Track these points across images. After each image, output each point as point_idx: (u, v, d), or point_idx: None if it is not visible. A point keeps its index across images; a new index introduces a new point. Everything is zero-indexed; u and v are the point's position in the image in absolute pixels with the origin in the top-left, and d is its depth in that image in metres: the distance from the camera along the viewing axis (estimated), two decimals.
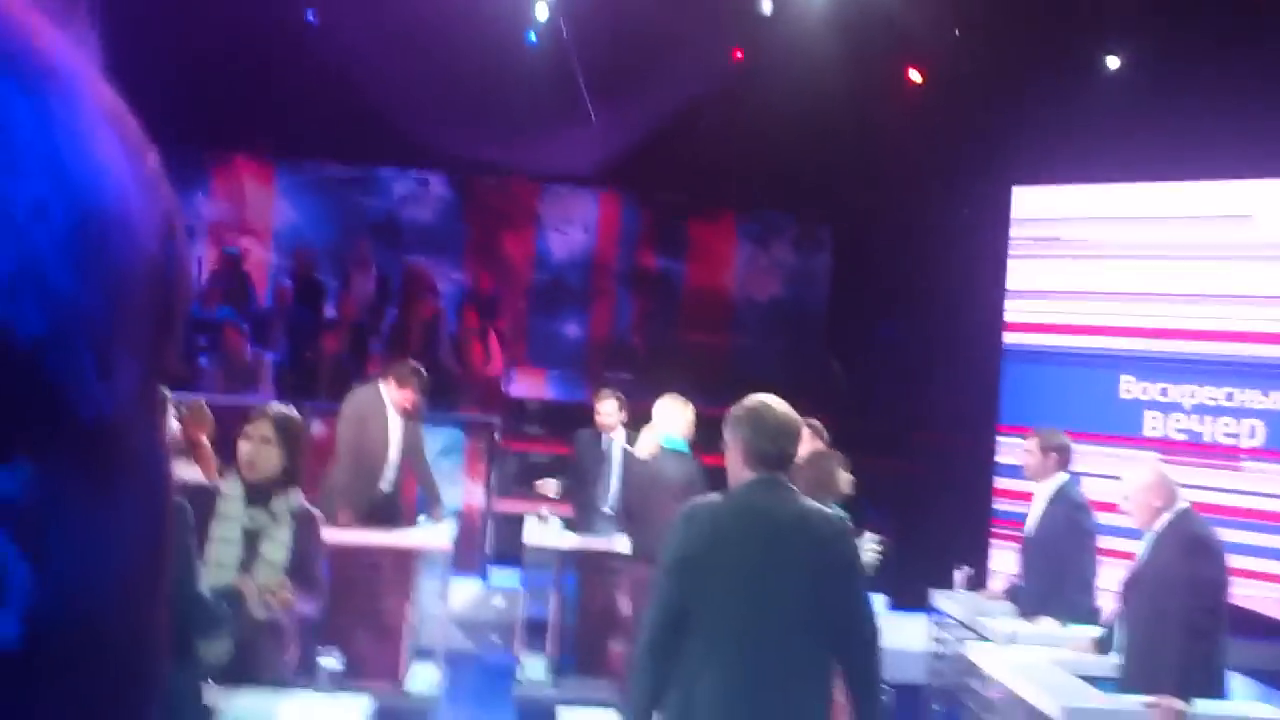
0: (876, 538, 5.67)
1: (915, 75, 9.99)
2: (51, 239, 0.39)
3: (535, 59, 9.99)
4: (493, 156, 11.14)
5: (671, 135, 10.61)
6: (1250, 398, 7.45)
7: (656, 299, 12.61)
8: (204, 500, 3.72)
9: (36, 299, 0.38)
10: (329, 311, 10.55)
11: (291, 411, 3.96)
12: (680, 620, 3.26)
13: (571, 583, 6.89)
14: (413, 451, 6.77)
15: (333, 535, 6.14)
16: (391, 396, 6.59)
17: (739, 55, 10.24)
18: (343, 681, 3.71)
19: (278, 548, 3.72)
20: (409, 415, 6.69)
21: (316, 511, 3.95)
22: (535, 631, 6.93)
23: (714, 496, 3.42)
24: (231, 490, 3.76)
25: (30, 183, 0.39)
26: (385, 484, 6.63)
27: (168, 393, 3.21)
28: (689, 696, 3.26)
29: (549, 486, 7.13)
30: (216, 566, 3.63)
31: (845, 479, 5.61)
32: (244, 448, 3.79)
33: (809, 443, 6.28)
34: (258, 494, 3.75)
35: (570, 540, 6.87)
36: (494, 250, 12.27)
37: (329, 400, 7.82)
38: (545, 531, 6.98)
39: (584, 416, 8.40)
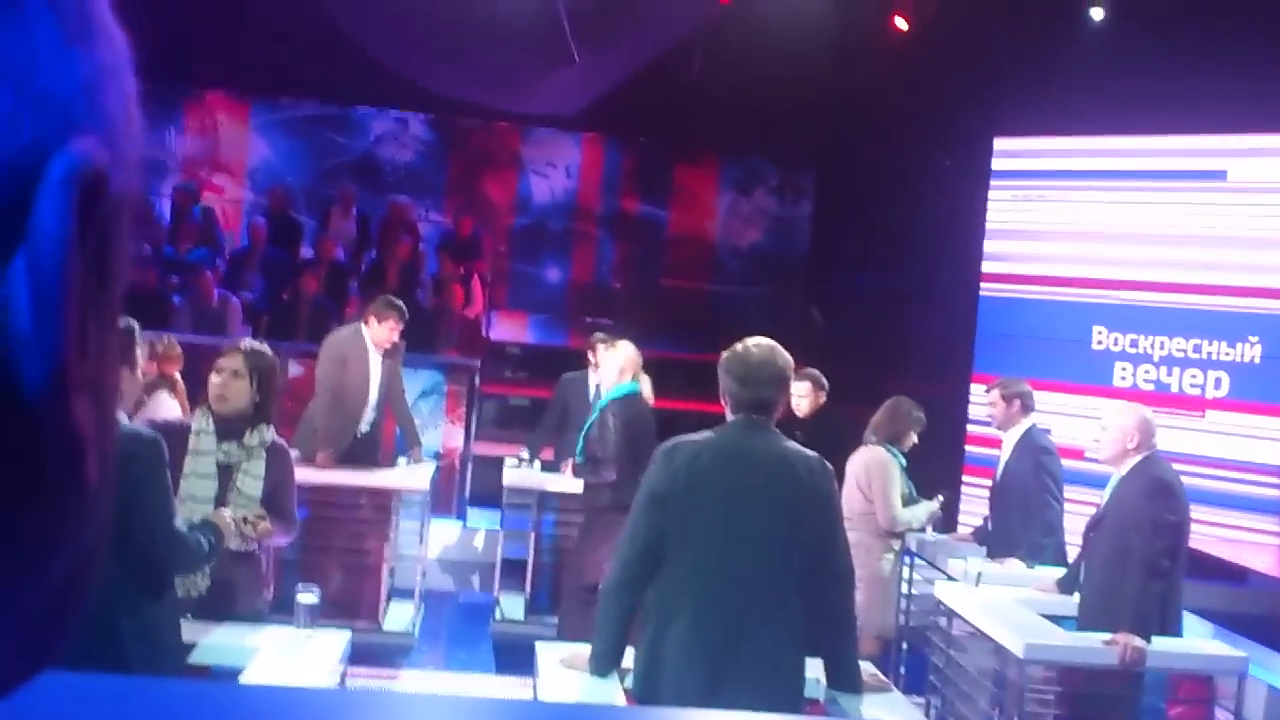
0: (938, 500, 5.84)
1: (901, 23, 9.96)
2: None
3: None
4: (474, 97, 11.07)
5: (656, 79, 10.57)
6: (1216, 349, 7.57)
7: (638, 244, 12.62)
8: (176, 437, 3.74)
9: None
10: (306, 252, 10.51)
11: (263, 347, 3.98)
12: (654, 556, 3.31)
13: (549, 524, 6.96)
14: (393, 393, 6.80)
15: (312, 475, 6.23)
16: (373, 334, 6.58)
17: None
18: (320, 618, 3.76)
19: (252, 481, 3.77)
20: (390, 353, 6.70)
21: (287, 446, 3.99)
22: (513, 572, 7.01)
23: (695, 435, 3.46)
24: (203, 425, 3.78)
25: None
26: (365, 424, 6.66)
27: (136, 328, 3.24)
28: (662, 633, 3.30)
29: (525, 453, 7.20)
30: (191, 501, 3.66)
31: (912, 435, 5.76)
32: (214, 381, 3.81)
33: (811, 394, 6.39)
34: (229, 429, 3.78)
35: (549, 481, 6.94)
36: (475, 192, 12.24)
37: (307, 341, 7.84)
38: (524, 473, 7.04)
39: (564, 360, 8.45)
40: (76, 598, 0.44)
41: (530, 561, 6.87)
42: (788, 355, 3.47)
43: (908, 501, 5.74)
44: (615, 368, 5.95)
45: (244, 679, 3.27)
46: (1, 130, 0.39)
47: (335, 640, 3.70)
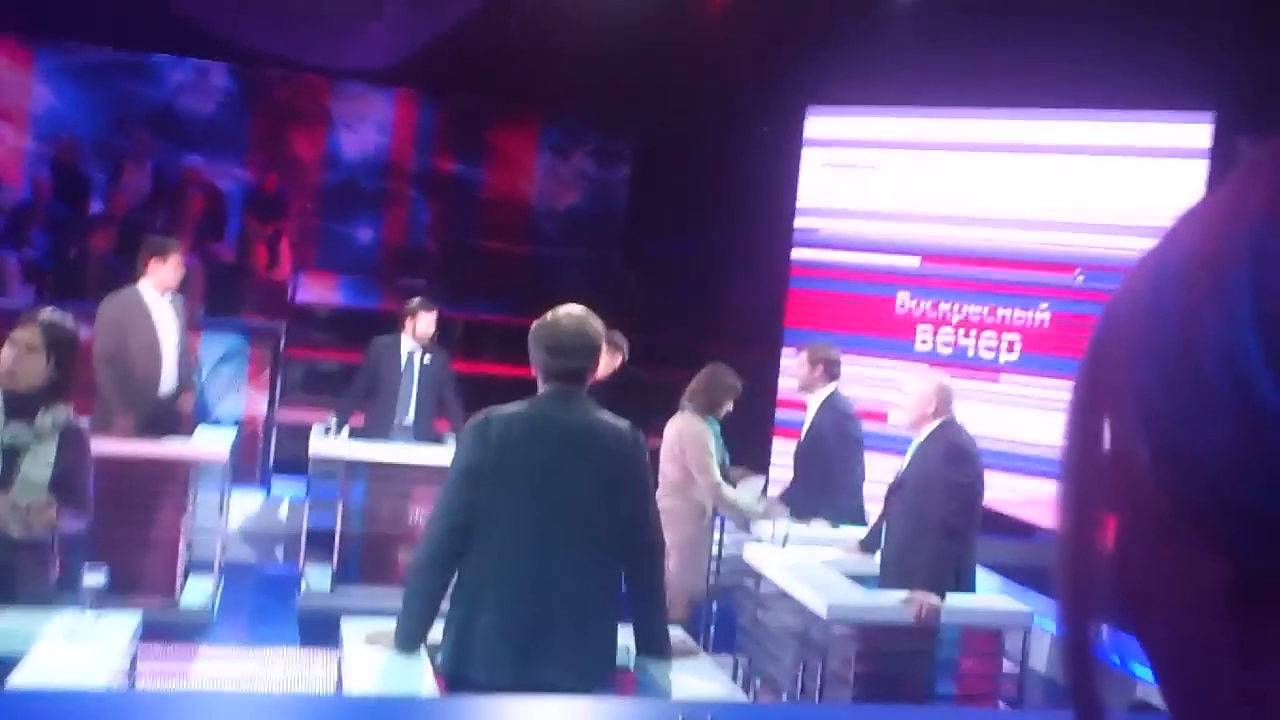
0: (759, 480, 5.86)
1: None
2: None
3: None
4: (281, 49, 10.64)
5: (473, 38, 10.36)
6: (1010, 315, 7.95)
7: (453, 204, 12.39)
8: None
9: None
10: (96, 207, 9.94)
11: (63, 318, 3.71)
12: (465, 531, 3.25)
13: (359, 492, 6.80)
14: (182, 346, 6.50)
15: (102, 447, 5.89)
16: (160, 279, 6.25)
17: None
18: (109, 598, 3.57)
19: (40, 467, 3.51)
20: (183, 290, 6.43)
21: (84, 426, 3.75)
22: (320, 543, 6.83)
23: (507, 406, 3.40)
24: None
25: None
26: (166, 387, 6.35)
27: None
28: (472, 609, 3.24)
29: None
30: None
31: (728, 403, 5.75)
32: (6, 354, 3.53)
33: (609, 356, 6.37)
34: (20, 407, 3.51)
35: (359, 450, 6.78)
36: (281, 148, 11.78)
37: (97, 302, 7.41)
38: (331, 441, 6.86)
39: (376, 322, 8.25)
40: None
41: (338, 532, 6.70)
42: (599, 323, 3.45)
43: (722, 469, 5.81)
44: None
45: (24, 666, 3.09)
46: None
47: (124, 623, 3.51)
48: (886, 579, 4.74)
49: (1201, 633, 0.43)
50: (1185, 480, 0.41)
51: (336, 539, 6.69)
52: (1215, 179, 7.29)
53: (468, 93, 11.88)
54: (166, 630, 5.28)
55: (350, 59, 11.05)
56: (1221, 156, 7.24)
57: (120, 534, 5.83)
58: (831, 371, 5.89)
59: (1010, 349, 7.95)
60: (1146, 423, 0.43)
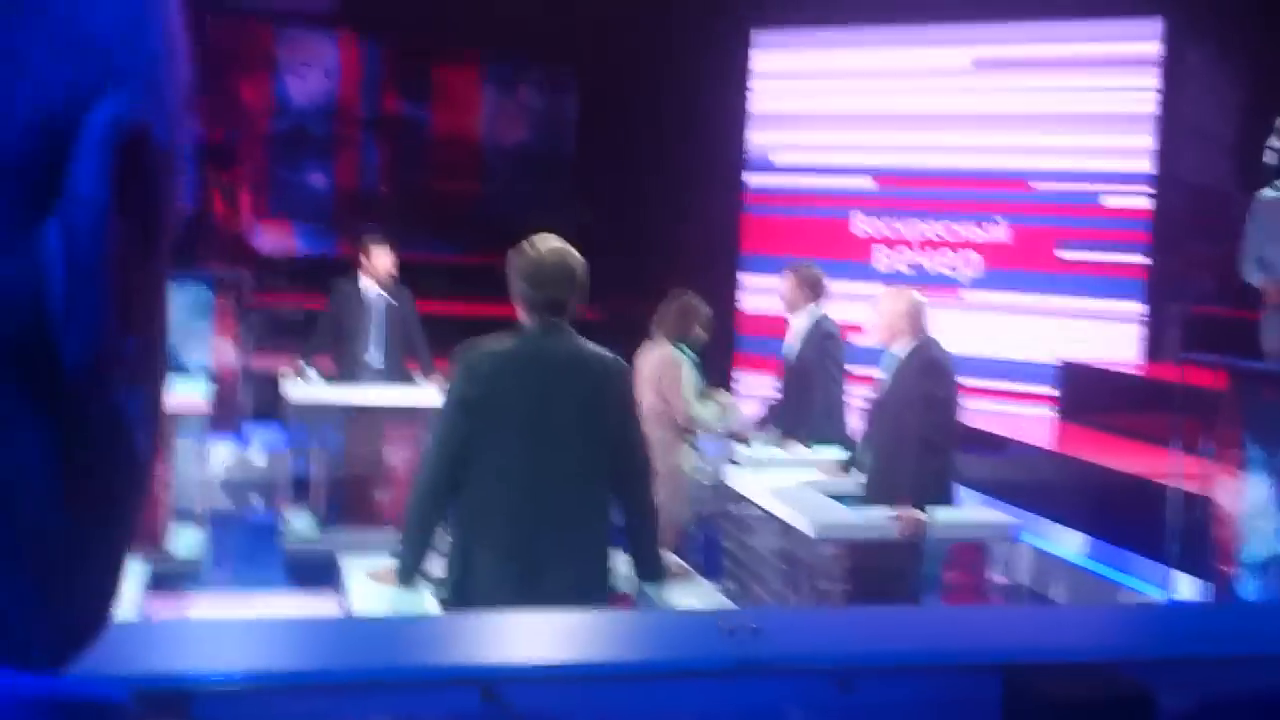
0: (729, 400, 5.93)
1: None
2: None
3: None
4: None
5: None
6: (966, 231, 8.06)
7: (403, 146, 12.26)
8: None
9: None
10: None
11: None
12: (461, 464, 3.30)
13: (336, 438, 6.83)
14: None
15: None
16: None
17: None
18: None
19: None
20: None
21: None
22: (299, 489, 6.86)
23: (495, 340, 3.41)
24: None
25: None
26: None
27: None
28: (471, 540, 3.30)
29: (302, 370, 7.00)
30: None
31: (699, 331, 5.80)
32: None
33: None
34: None
35: (334, 394, 6.79)
36: (226, 95, 11.58)
37: None
38: (306, 387, 6.86)
39: (334, 268, 8.21)
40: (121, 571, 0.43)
41: (315, 477, 6.73)
42: (578, 254, 3.46)
43: (700, 396, 5.88)
44: None
45: None
46: (37, 79, 0.35)
47: (133, 572, 3.55)
48: (872, 496, 4.85)
49: None
50: None
51: (322, 484, 6.72)
52: (1167, 87, 7.40)
53: (409, 31, 11.73)
54: (158, 580, 5.32)
55: (287, 2, 10.86)
56: (1172, 65, 7.34)
57: None
58: (817, 291, 5.94)
59: (969, 264, 8.07)
60: None
